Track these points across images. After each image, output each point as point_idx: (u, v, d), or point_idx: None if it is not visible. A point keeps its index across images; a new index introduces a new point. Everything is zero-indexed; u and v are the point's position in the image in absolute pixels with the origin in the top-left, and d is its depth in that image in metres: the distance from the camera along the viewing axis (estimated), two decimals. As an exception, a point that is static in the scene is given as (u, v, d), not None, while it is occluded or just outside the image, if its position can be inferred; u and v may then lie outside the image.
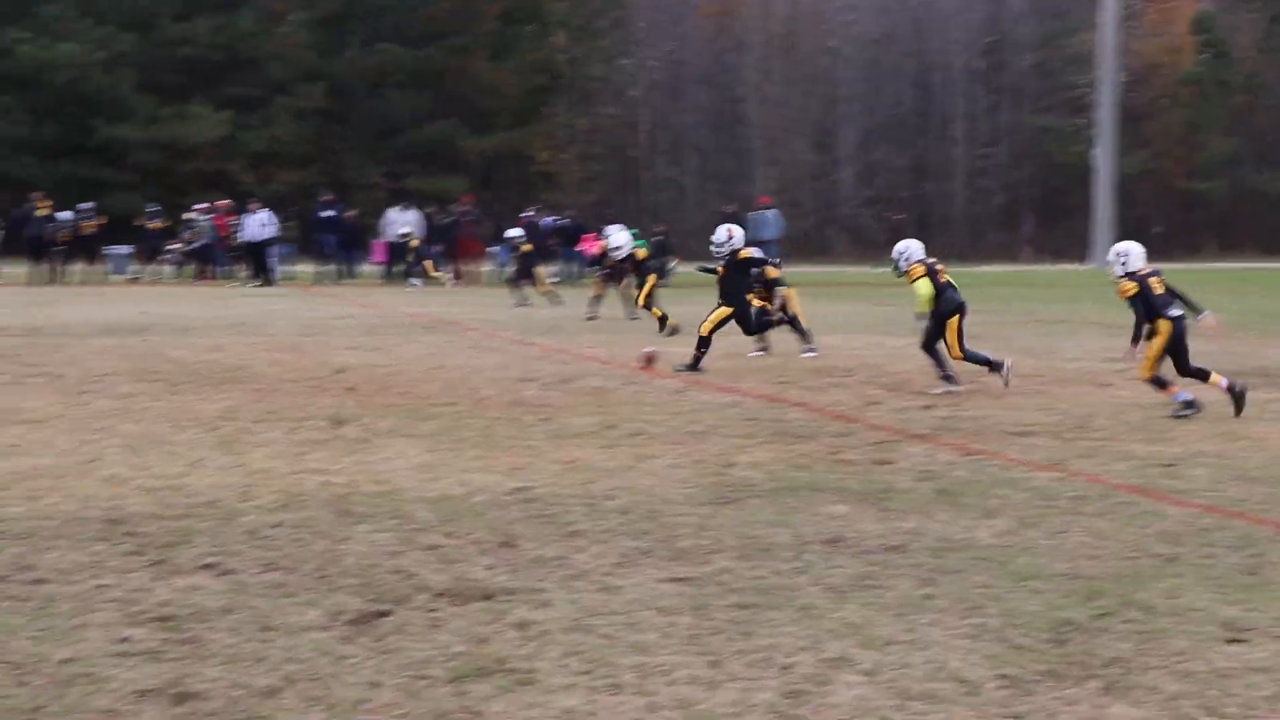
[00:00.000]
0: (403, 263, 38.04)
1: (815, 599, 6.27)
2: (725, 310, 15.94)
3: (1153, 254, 14.03)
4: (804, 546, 7.25)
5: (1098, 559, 7.05)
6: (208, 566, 6.76)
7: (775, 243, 38.99)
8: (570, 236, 39.43)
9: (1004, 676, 5.25)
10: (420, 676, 5.19)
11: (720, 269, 16.29)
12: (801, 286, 30.72)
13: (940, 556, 7.06)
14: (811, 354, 17.23)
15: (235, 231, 37.53)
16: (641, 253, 22.81)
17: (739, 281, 16.15)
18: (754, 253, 16.48)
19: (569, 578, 6.61)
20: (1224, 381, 12.32)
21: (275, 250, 37.18)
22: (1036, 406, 12.91)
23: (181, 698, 4.94)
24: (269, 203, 40.25)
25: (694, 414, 12.27)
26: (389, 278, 38.50)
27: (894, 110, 67.44)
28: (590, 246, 32.86)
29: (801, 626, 5.85)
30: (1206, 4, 68.16)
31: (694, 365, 15.54)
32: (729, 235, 16.42)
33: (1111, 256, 12.65)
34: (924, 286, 14.03)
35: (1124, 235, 15.39)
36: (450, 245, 39.54)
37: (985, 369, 14.11)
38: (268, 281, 36.08)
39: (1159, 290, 12.34)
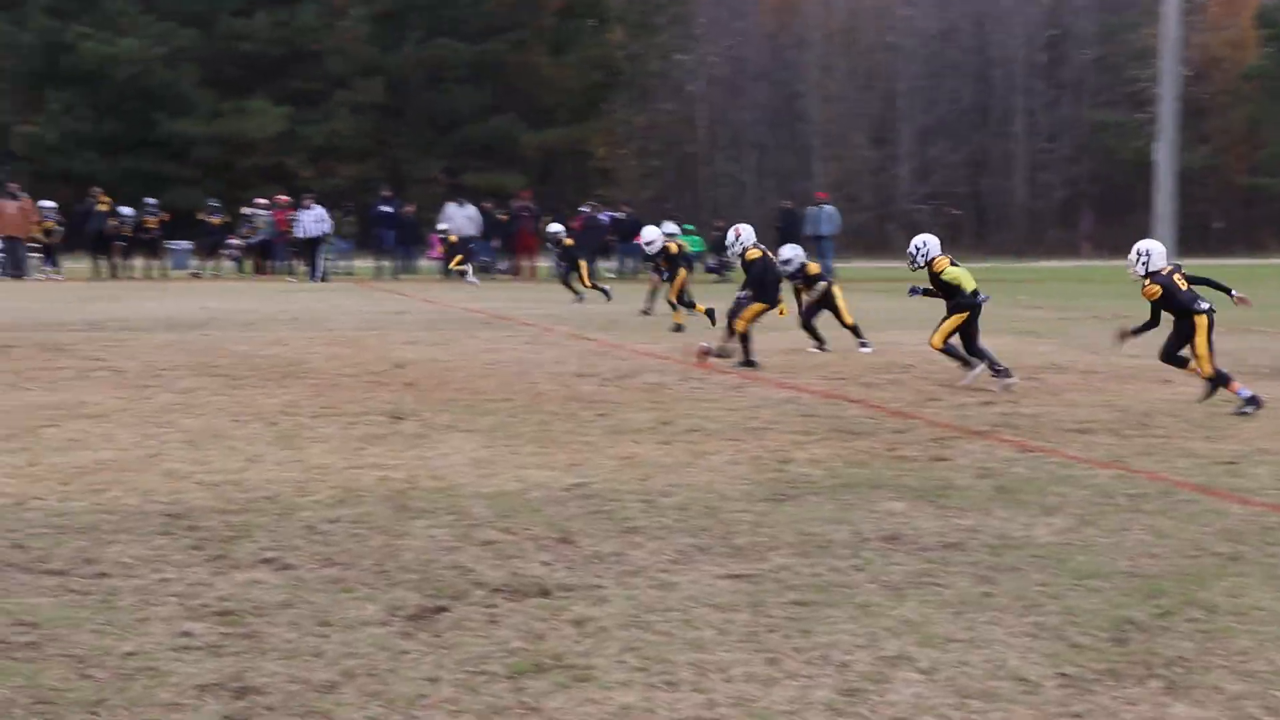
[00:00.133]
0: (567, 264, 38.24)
1: (873, 596, 6.25)
2: (760, 306, 15.92)
3: (1213, 250, 13.97)
4: (862, 543, 7.22)
5: (1158, 557, 7.00)
6: (267, 561, 6.79)
7: (832, 238, 38.94)
8: (627, 232, 39.47)
9: (1064, 675, 5.22)
10: (478, 672, 5.20)
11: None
12: (859, 282, 30.69)
13: (999, 554, 7.02)
14: (818, 350, 17.31)
15: (294, 226, 37.75)
16: (674, 247, 22.72)
17: (764, 280, 16.12)
18: (755, 254, 16.38)
19: (626, 574, 6.61)
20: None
21: (322, 248, 37.30)
22: (1096, 403, 12.82)
23: (241, 692, 4.97)
24: (328, 197, 40.49)
25: (751, 410, 12.25)
26: (447, 273, 38.64)
27: (953, 105, 67.14)
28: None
29: (859, 624, 5.83)
30: (1270, -3, 67.51)
31: (747, 361, 15.56)
32: (736, 236, 16.50)
33: (1132, 256, 12.55)
34: (959, 272, 14.03)
35: (1185, 231, 15.30)
36: (508, 241, 39.66)
37: (958, 364, 14.07)
38: (322, 278, 36.22)
39: (1184, 286, 12.30)
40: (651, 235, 23.10)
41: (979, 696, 5.01)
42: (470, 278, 35.37)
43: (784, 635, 5.67)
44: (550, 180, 53.65)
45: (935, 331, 14.19)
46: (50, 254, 35.87)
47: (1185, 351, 12.47)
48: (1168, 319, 12.55)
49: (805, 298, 17.77)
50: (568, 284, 28.81)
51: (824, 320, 17.91)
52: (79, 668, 5.20)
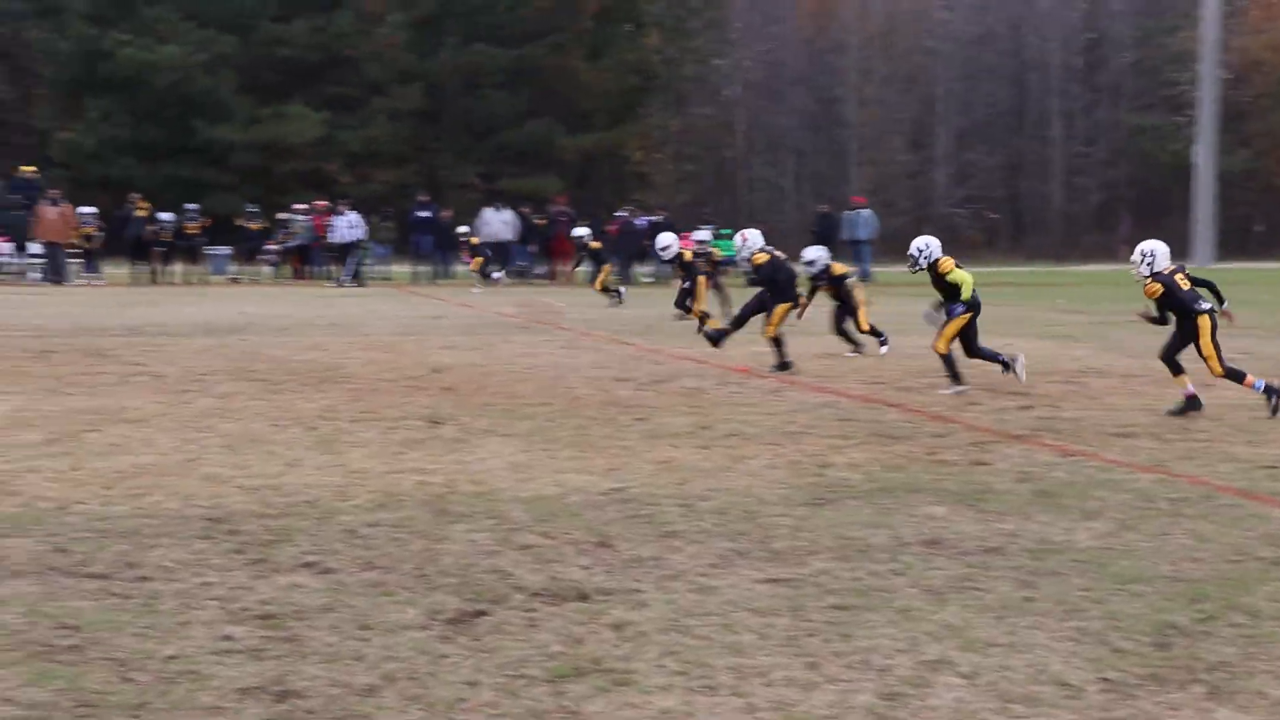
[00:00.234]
0: (497, 263, 38.22)
1: (913, 601, 6.23)
2: (783, 306, 15.88)
3: (1254, 253, 13.91)
4: (902, 548, 7.20)
5: (1201, 562, 6.95)
6: (307, 565, 6.81)
7: (870, 242, 38.86)
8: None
9: (1106, 680, 5.19)
10: (518, 676, 5.20)
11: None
12: (897, 286, 30.59)
13: (1040, 558, 6.99)
14: (854, 354, 17.29)
15: (329, 232, 37.92)
16: (689, 254, 22.64)
17: (775, 280, 16.07)
18: (763, 257, 16.33)
19: (665, 578, 6.60)
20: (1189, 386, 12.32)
21: (356, 253, 37.42)
22: (1137, 407, 12.76)
23: (282, 695, 4.99)
24: (366, 202, 40.62)
25: (789, 414, 12.23)
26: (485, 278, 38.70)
27: (990, 109, 66.95)
28: (684, 245, 32.84)
29: (900, 628, 5.81)
30: (1311, -1, 67.11)
31: (782, 365, 15.54)
32: (743, 240, 16.52)
33: (1136, 256, 12.50)
34: (962, 274, 13.98)
35: (1225, 235, 15.26)
36: (545, 246, 39.72)
37: (950, 380, 13.95)
38: (356, 283, 36.31)
39: (1185, 286, 12.28)
40: (666, 241, 23.05)
41: (1021, 701, 4.98)
42: (496, 276, 35.28)
43: (824, 640, 5.66)
44: (587, 185, 53.70)
45: (938, 337, 14.11)
46: (90, 259, 36.09)
47: (1185, 355, 12.46)
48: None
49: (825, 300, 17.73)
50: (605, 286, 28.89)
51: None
52: (121, 671, 5.22)
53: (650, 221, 40.39)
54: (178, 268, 37.19)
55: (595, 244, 29.92)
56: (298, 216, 39.31)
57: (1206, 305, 12.25)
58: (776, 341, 15.76)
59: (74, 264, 35.74)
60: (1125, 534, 7.55)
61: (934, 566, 6.82)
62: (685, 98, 63.84)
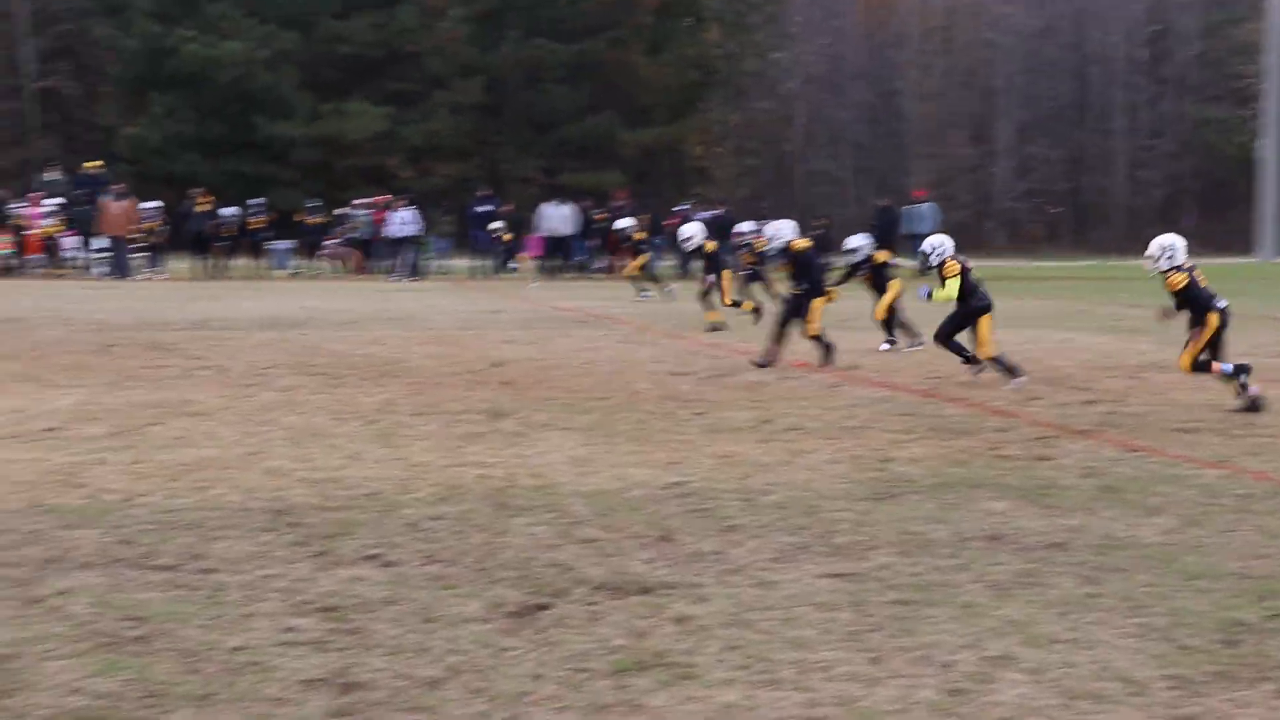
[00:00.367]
0: (557, 258, 38.35)
1: (976, 596, 6.20)
2: (819, 301, 15.78)
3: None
4: (964, 543, 7.16)
5: (1268, 558, 6.88)
6: (370, 558, 6.84)
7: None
8: (723, 231, 39.43)
9: (1173, 677, 5.15)
10: (580, 669, 5.21)
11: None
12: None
13: (1104, 554, 6.94)
14: (916, 348, 17.21)
15: (386, 227, 38.12)
16: (711, 245, 22.51)
17: (804, 272, 15.95)
18: (804, 244, 16.28)
19: (726, 572, 6.59)
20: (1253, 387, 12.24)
21: (412, 248, 37.57)
22: (1200, 403, 12.65)
23: (347, 687, 5.01)
24: (427, 197, 40.76)
25: (849, 409, 12.19)
26: (545, 272, 38.80)
27: (1052, 102, 66.53)
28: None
29: (963, 624, 5.78)
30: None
31: (827, 357, 15.46)
32: (775, 230, 16.47)
33: (1155, 250, 12.43)
34: (955, 285, 14.00)
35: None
36: (605, 240, 39.76)
37: (1007, 375, 13.89)
38: (413, 278, 36.45)
39: (1203, 282, 12.24)
40: (689, 232, 22.95)
41: (1086, 698, 4.95)
42: (525, 279, 35.33)
43: (886, 634, 5.64)
44: (647, 179, 53.69)
45: (979, 345, 14.09)
46: (154, 254, 36.39)
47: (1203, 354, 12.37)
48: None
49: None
50: (655, 278, 28.91)
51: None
52: (187, 662, 5.26)
53: (713, 215, 40.36)
54: (239, 262, 37.44)
55: (640, 235, 29.97)
56: (359, 212, 39.50)
57: (1224, 303, 12.21)
58: (818, 338, 15.65)
59: (138, 258, 36.03)
60: (1191, 530, 7.49)
61: (997, 562, 6.78)
62: (745, 92, 63.75)
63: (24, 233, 35.55)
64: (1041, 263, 47.09)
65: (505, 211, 39.25)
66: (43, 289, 29.33)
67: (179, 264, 37.30)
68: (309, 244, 39.50)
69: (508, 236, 36.77)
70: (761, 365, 15.20)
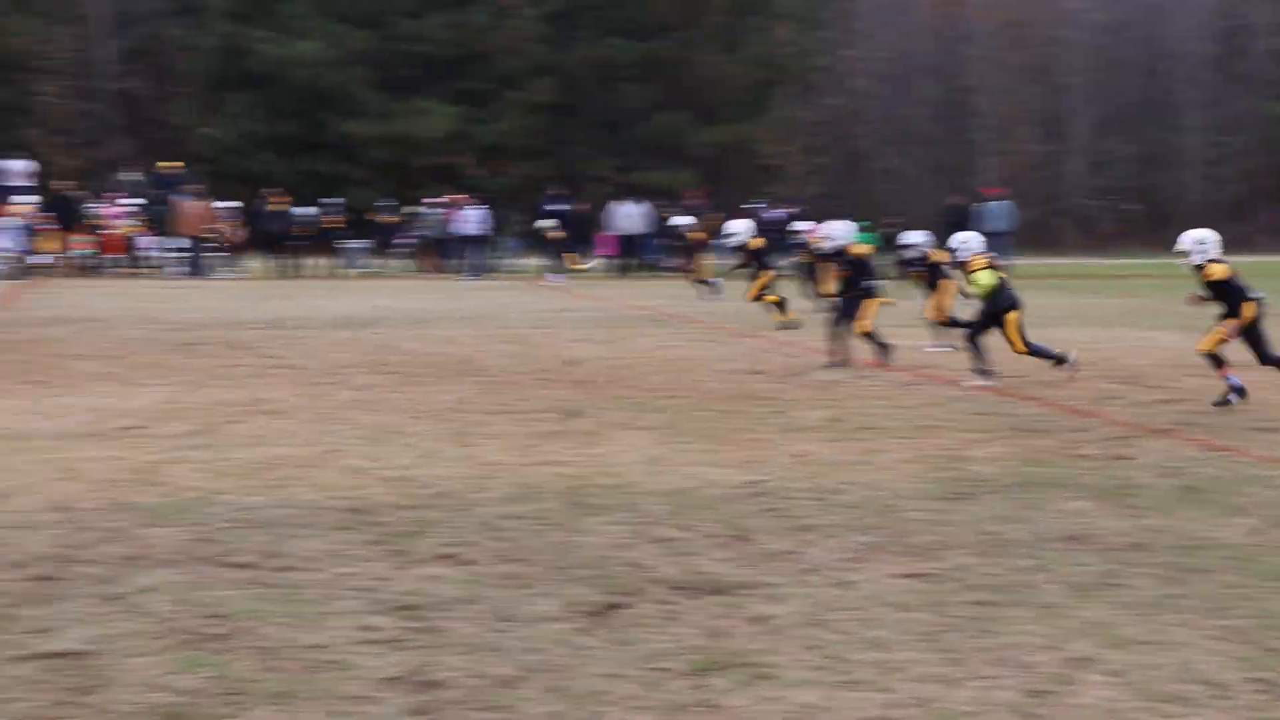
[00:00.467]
0: (631, 256, 38.39)
1: (1056, 597, 6.15)
2: (873, 302, 15.63)
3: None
4: (1042, 543, 7.11)
5: (1353, 561, 6.79)
6: (445, 556, 6.86)
7: (1008, 234, 38.37)
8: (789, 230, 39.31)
9: (1258, 680, 5.08)
10: (658, 669, 5.20)
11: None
12: (1030, 279, 30.19)
13: (1186, 555, 6.86)
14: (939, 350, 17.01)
15: (457, 225, 38.27)
16: (755, 243, 22.30)
17: (859, 275, 15.83)
18: (863, 248, 16.19)
19: (803, 572, 6.57)
20: None
21: (482, 247, 37.69)
22: (1281, 402, 12.51)
23: (424, 686, 5.02)
24: (499, 196, 40.83)
25: (923, 408, 12.13)
26: (619, 271, 38.82)
27: (1124, 99, 65.93)
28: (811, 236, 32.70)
29: (1042, 625, 5.73)
30: None
31: (884, 354, 15.32)
32: (829, 231, 16.38)
33: (1189, 245, 12.39)
34: (986, 277, 13.91)
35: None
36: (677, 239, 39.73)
37: (1052, 363, 13.78)
38: (483, 276, 36.57)
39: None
40: (734, 228, 22.79)
41: (1169, 700, 4.90)
42: (555, 279, 35.34)
43: (965, 635, 5.60)
44: (719, 178, 53.61)
45: (1012, 344, 14.00)
46: (229, 253, 36.69)
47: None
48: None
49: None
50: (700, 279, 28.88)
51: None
52: (266, 660, 5.29)
53: (787, 214, 40.24)
54: (313, 261, 37.67)
55: (696, 234, 29.95)
56: (431, 211, 39.66)
57: (1260, 294, 12.18)
58: (870, 335, 15.52)
59: (214, 258, 36.33)
60: (1273, 531, 7.40)
61: (1076, 562, 6.73)
62: (815, 89, 63.50)
63: (102, 232, 35.93)
64: (1115, 260, 46.67)
65: (564, 210, 39.32)
66: (120, 288, 29.63)
67: (254, 263, 37.57)
68: (382, 243, 39.66)
69: (559, 234, 36.82)
70: (833, 366, 15.13)
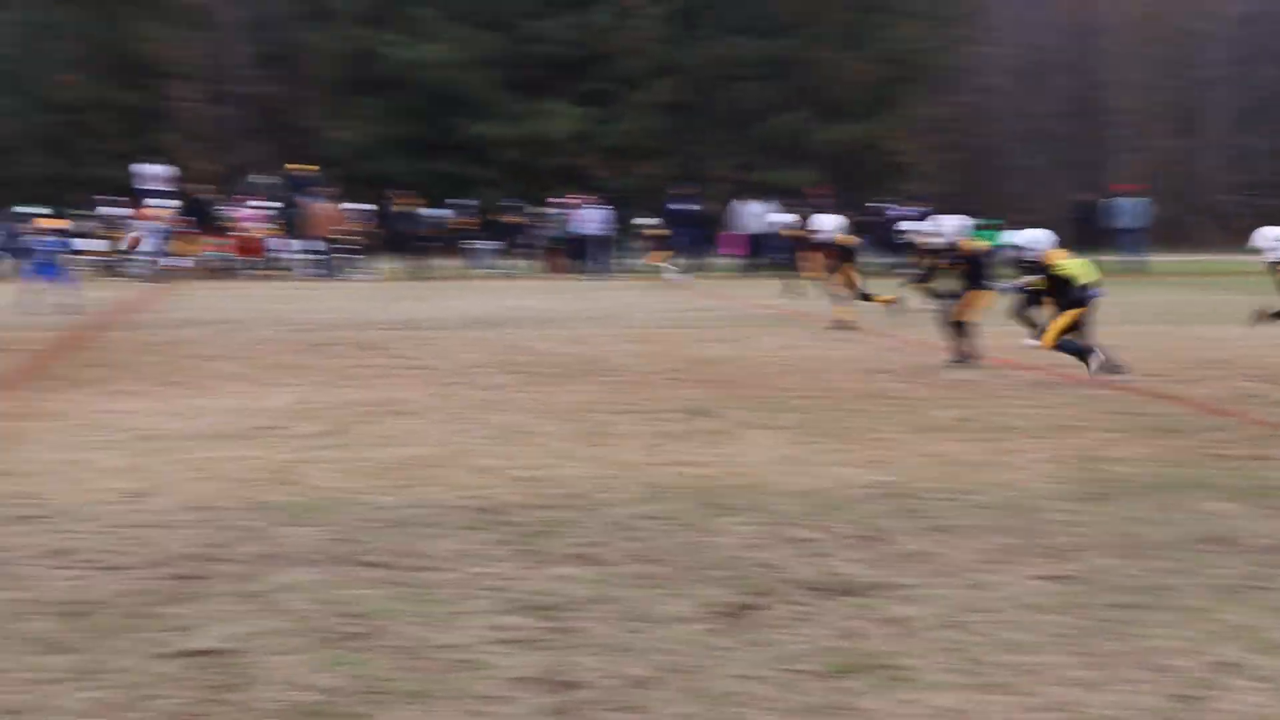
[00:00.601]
0: (759, 256, 38.30)
1: (1200, 600, 6.02)
2: (980, 296, 15.38)
3: None
4: (1184, 545, 6.97)
5: None
6: (577, 556, 6.86)
7: (1141, 231, 37.81)
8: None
9: None
10: (793, 670, 5.16)
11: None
12: (1166, 276, 29.81)
13: (1331, 558, 6.70)
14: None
15: (579, 225, 38.48)
16: (842, 239, 22.00)
17: (973, 272, 15.56)
18: (977, 245, 15.93)
19: (938, 573, 6.49)
20: None
21: (605, 247, 37.83)
22: None
23: (559, 686, 5.02)
24: (623, 196, 40.91)
25: (1057, 406, 11.97)
26: (748, 270, 38.76)
27: (1264, 91, 64.66)
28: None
29: (1186, 628, 5.62)
30: None
31: (960, 361, 15.06)
32: (940, 225, 16.12)
33: (1263, 242, 12.15)
34: (1076, 264, 13.72)
35: None
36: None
37: (1078, 359, 13.56)
38: (605, 276, 36.68)
39: None
40: (823, 223, 22.55)
41: (1320, 707, 4.78)
42: (673, 275, 35.25)
43: (1106, 638, 5.50)
44: (846, 177, 53.33)
45: (1044, 334, 13.72)
46: (360, 254, 37.11)
47: None
48: None
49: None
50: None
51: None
52: (403, 659, 5.32)
53: (907, 212, 39.94)
54: (442, 262, 37.99)
55: (798, 233, 29.86)
56: (555, 211, 39.86)
57: None
58: (959, 327, 15.27)
59: (344, 259, 36.75)
60: None
61: (1220, 565, 6.59)
62: (943, 86, 62.95)
63: (235, 235, 36.53)
64: (1252, 257, 45.83)
65: (688, 210, 39.33)
66: (253, 290, 30.07)
67: (384, 264, 37.97)
68: (510, 244, 39.91)
69: (659, 232, 36.81)
70: (957, 363, 14.97)
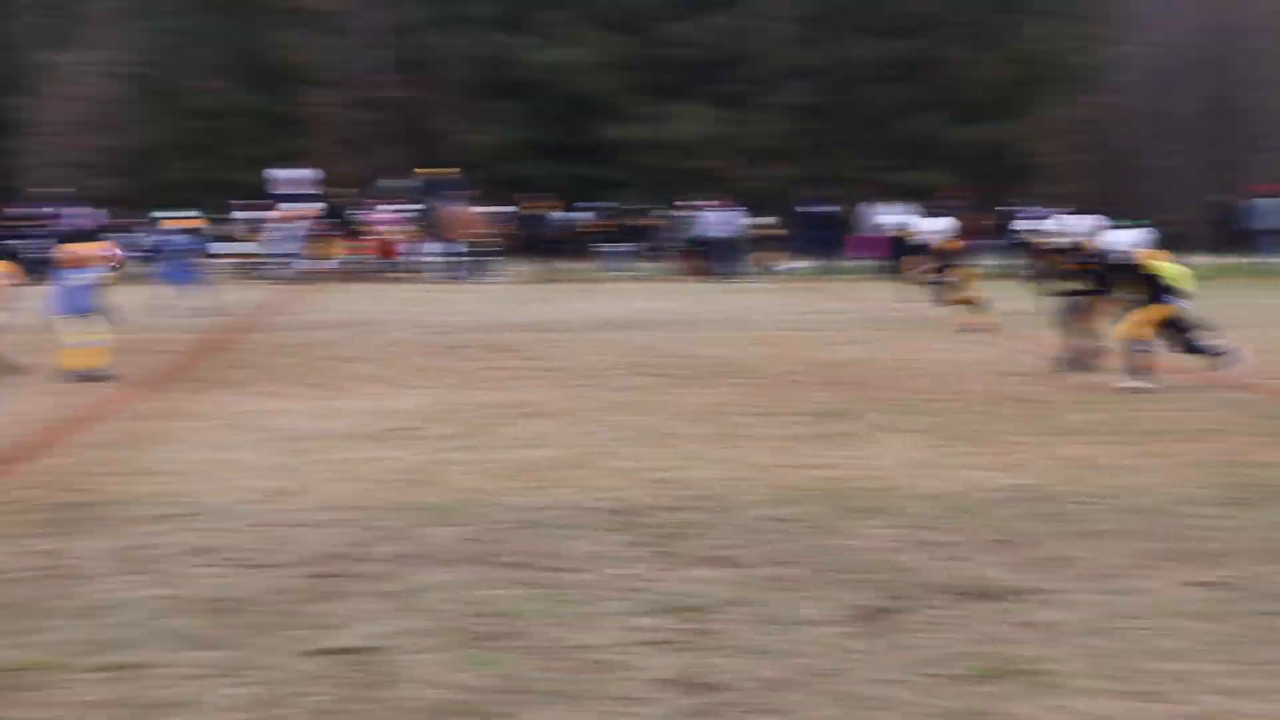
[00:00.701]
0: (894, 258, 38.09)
1: (1354, 608, 5.89)
2: (1102, 301, 15.04)
3: None
4: (1334, 552, 6.82)
5: None
6: (712, 558, 6.85)
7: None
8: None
9: None
10: (935, 675, 5.11)
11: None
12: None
13: None
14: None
15: (706, 227, 38.47)
16: (952, 244, 21.60)
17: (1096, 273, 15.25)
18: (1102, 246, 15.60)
19: (1079, 578, 6.40)
20: None
21: (734, 250, 37.81)
22: None
23: (698, 688, 5.01)
24: (756, 198, 40.82)
25: (1196, 410, 11.75)
26: (882, 273, 38.51)
27: None
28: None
29: (1340, 637, 5.50)
30: None
31: (1075, 362, 14.76)
32: (1064, 224, 15.78)
33: None
34: (1171, 269, 13.47)
35: None
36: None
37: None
38: (738, 279, 36.62)
39: None
40: (923, 225, 22.22)
41: None
42: (785, 267, 35.09)
43: (1258, 645, 5.40)
44: (980, 178, 52.83)
45: (1128, 323, 13.42)
46: (493, 257, 37.39)
47: None
48: None
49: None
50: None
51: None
52: (541, 659, 5.34)
53: (1044, 213, 39.46)
54: (573, 264, 38.15)
55: (909, 234, 29.58)
56: (687, 214, 39.88)
57: None
58: (1081, 330, 14.97)
59: (479, 261, 37.02)
60: None
61: (1371, 572, 6.44)
62: (1080, 86, 62.15)
63: (372, 238, 36.97)
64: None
65: (821, 211, 39.21)
66: (389, 293, 30.38)
67: (518, 267, 38.21)
68: (640, 246, 40.00)
69: (774, 232, 36.68)
70: (1073, 365, 14.71)
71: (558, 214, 38.46)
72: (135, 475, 9.03)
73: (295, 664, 5.30)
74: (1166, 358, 13.64)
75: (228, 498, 8.29)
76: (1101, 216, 17.66)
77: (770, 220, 37.48)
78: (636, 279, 37.25)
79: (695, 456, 9.71)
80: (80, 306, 14.80)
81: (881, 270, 38.84)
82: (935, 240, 21.84)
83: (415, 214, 37.63)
